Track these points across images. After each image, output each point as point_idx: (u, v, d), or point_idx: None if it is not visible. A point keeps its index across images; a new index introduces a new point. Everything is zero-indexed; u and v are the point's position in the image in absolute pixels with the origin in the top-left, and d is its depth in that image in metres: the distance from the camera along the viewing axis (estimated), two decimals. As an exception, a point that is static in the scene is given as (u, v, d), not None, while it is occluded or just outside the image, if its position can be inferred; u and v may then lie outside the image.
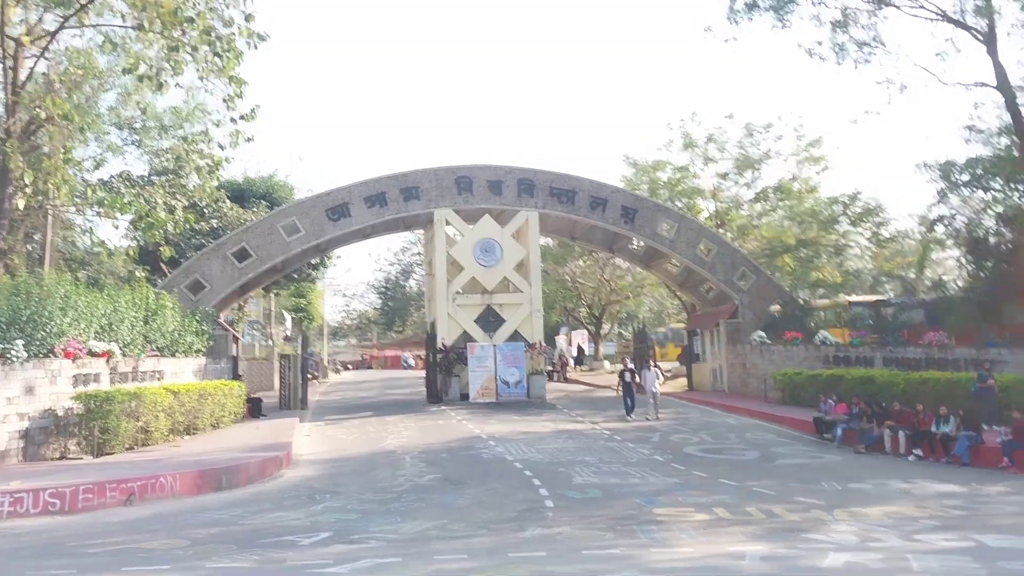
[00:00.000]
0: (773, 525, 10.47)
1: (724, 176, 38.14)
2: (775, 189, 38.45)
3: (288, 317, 52.71)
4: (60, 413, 17.73)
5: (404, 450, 18.93)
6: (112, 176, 26.44)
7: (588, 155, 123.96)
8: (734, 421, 23.98)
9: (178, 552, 9.33)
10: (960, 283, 28.35)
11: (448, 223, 31.41)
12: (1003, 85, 23.46)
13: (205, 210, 32.02)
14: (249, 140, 23.60)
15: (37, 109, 20.80)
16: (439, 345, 30.50)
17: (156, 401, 19.25)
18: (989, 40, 23.98)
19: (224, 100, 22.75)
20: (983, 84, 24.71)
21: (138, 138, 34.02)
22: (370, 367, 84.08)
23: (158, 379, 22.01)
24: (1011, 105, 23.57)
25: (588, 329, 50.46)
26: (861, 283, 36.61)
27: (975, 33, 24.11)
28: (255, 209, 35.50)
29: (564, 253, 43.16)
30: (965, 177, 25.45)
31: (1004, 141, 24.46)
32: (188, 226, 25.09)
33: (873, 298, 33.37)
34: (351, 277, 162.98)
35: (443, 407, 28.56)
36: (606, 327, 53.05)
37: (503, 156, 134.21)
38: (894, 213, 60.92)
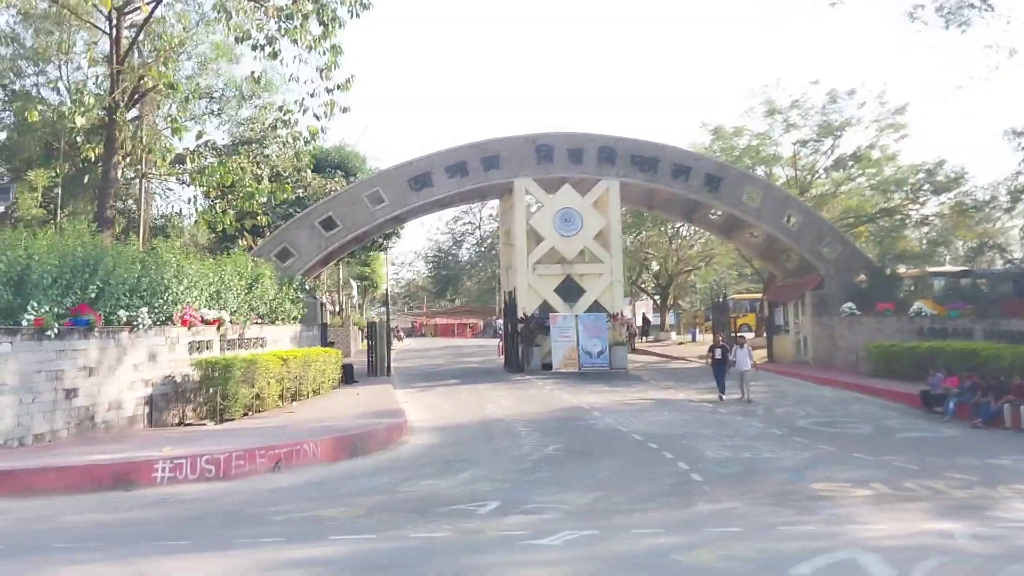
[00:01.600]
0: (946, 502, 10.28)
1: (803, 143, 37.38)
2: (853, 157, 37.64)
3: (354, 285, 53.16)
4: (178, 380, 18.06)
5: (511, 419, 18.97)
6: (197, 145, 26.57)
7: (666, 124, 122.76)
8: (831, 394, 23.69)
9: (363, 521, 9.42)
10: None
11: (528, 192, 31.25)
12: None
13: (288, 180, 32.23)
14: (345, 111, 23.61)
15: (142, 79, 20.98)
16: (519, 315, 30.49)
17: (268, 368, 19.50)
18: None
19: (319, 70, 22.77)
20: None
21: (217, 107, 34.33)
22: (422, 335, 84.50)
23: (261, 346, 22.29)
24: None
25: (653, 300, 50.15)
26: (950, 254, 35.74)
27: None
28: (332, 179, 35.66)
29: (636, 223, 42.80)
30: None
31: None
32: (272, 195, 25.31)
33: (956, 269, 32.67)
34: (401, 246, 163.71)
35: (527, 376, 28.64)
36: (671, 298, 52.70)
37: (581, 126, 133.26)
38: (980, 182, 59.13)
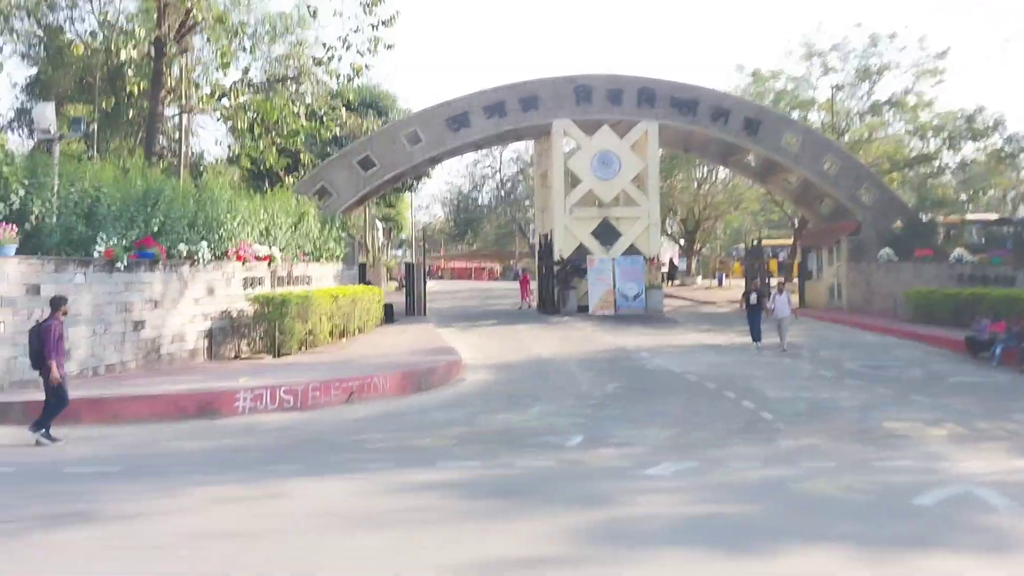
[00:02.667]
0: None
1: (839, 88, 36.85)
2: (889, 103, 37.16)
3: (379, 226, 53.19)
4: (234, 315, 18.25)
5: (561, 359, 19.14)
6: (240, 80, 26.34)
7: (702, 69, 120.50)
8: (873, 338, 23.73)
9: (458, 450, 9.62)
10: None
11: (566, 134, 31.01)
12: None
13: (324, 118, 32.03)
14: (390, 47, 23.34)
15: (190, 12, 20.75)
16: (556, 257, 30.50)
17: (321, 304, 19.67)
18: None
19: (362, 4, 22.47)
20: None
21: (250, 43, 33.90)
22: (439, 277, 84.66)
23: (307, 283, 22.45)
24: None
25: (679, 245, 50.08)
26: (988, 201, 35.40)
27: None
28: (366, 118, 35.39)
29: (670, 167, 42.46)
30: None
31: None
32: (315, 134, 25.20)
33: (992, 217, 32.48)
34: (421, 190, 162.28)
35: (563, 318, 28.79)
36: (698, 244, 52.61)
37: (618, 68, 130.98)
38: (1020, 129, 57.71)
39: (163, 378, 13.77)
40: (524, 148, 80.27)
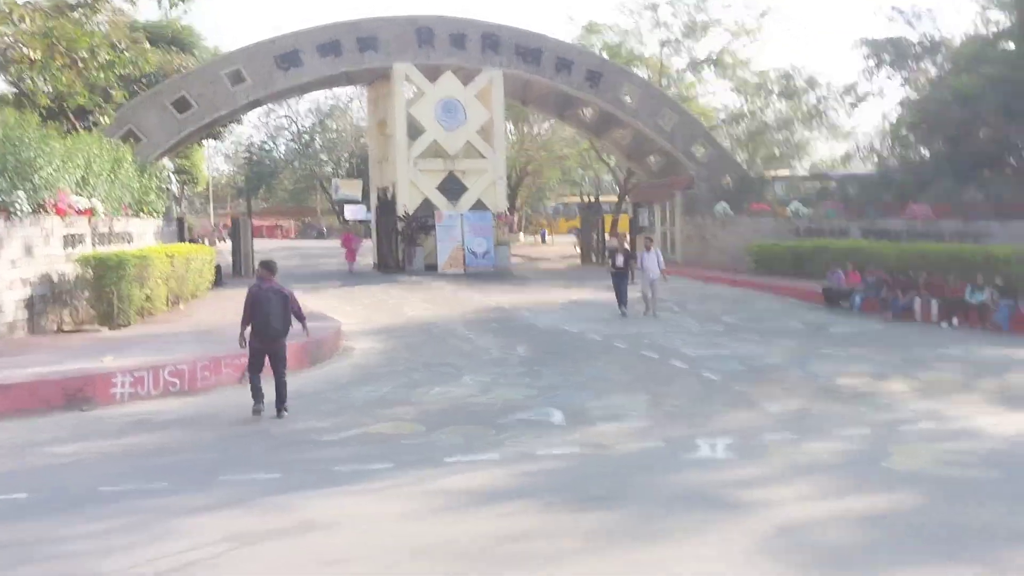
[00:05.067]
0: (986, 394, 10.31)
1: (665, 43, 37.20)
2: (708, 61, 38.04)
3: (173, 179, 48.08)
4: (54, 279, 15.11)
5: (443, 321, 17.63)
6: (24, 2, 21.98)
7: (534, 16, 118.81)
8: (726, 291, 23.95)
9: (439, 438, 8.00)
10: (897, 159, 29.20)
11: (408, 80, 28.97)
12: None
13: (125, 52, 27.82)
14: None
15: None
16: (401, 212, 28.56)
17: (158, 266, 16.79)
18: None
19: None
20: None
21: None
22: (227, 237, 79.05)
23: (128, 242, 19.22)
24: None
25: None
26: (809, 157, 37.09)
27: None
28: (175, 54, 31.25)
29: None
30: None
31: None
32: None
33: (814, 173, 34.16)
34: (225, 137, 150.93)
35: (413, 277, 27.02)
36: (520, 200, 52.09)
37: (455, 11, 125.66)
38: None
39: (-9, 361, 10.85)
40: (323, 98, 76.40)
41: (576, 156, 46.06)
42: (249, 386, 9.30)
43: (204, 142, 50.73)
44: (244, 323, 9.41)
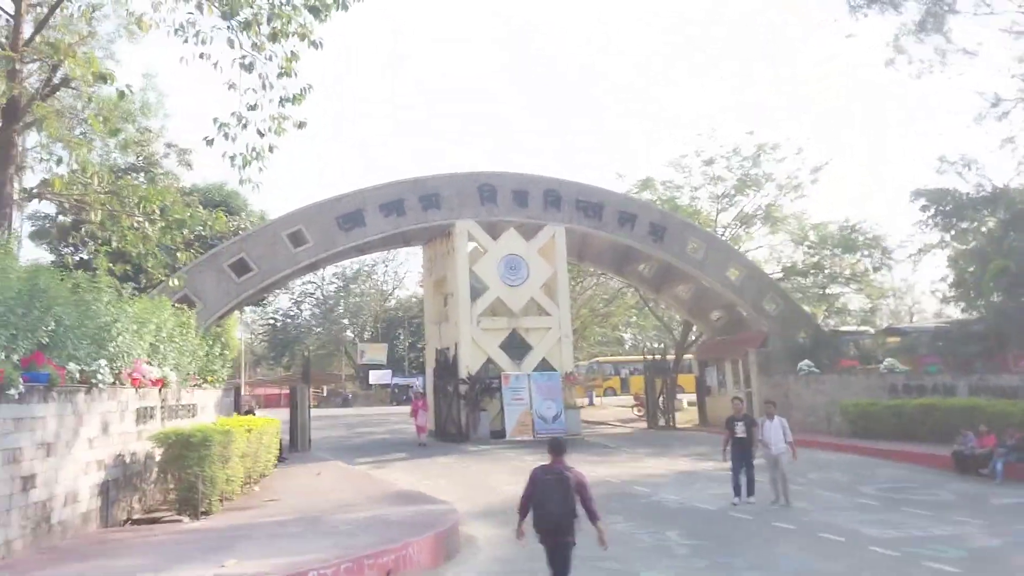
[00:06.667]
0: None
1: (719, 198, 36.64)
2: (757, 215, 37.34)
3: (207, 346, 46.70)
4: (127, 460, 13.19)
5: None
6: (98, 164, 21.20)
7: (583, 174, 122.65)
8: (837, 458, 21.70)
9: None
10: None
11: (470, 237, 27.97)
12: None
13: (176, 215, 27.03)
14: (301, 126, 19.58)
15: (56, 69, 16.09)
16: (463, 375, 26.78)
17: (239, 444, 14.87)
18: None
19: (262, 77, 18.66)
20: None
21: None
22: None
23: (192, 415, 17.38)
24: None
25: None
26: (884, 312, 35.69)
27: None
28: (236, 216, 30.58)
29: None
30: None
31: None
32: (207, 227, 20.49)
33: (884, 327, 32.60)
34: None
35: (480, 446, 24.85)
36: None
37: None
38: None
39: (74, 566, 8.79)
40: (349, 265, 75.97)
41: (620, 313, 44.77)
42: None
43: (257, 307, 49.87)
44: (522, 511, 7.88)
